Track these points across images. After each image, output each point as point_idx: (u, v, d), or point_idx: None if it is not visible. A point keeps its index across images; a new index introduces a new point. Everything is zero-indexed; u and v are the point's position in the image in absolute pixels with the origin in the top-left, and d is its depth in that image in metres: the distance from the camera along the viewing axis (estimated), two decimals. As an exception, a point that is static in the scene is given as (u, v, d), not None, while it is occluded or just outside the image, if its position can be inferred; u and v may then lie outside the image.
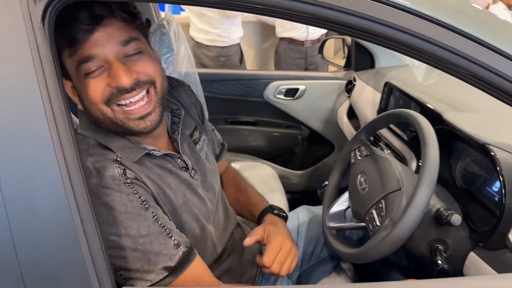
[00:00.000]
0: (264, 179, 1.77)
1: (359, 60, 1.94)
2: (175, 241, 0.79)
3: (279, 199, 1.63)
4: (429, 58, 0.65)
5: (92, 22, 0.72)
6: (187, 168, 0.91)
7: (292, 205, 1.73)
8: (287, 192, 1.84)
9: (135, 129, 0.79)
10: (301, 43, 3.30)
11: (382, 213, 0.91)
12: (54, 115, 0.50)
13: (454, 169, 1.08)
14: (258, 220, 1.06)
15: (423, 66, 1.30)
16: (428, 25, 0.61)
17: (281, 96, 2.03)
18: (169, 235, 0.79)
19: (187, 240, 0.83)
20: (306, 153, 2.22)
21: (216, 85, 2.02)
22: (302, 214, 1.28)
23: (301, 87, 2.01)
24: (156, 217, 0.78)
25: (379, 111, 1.48)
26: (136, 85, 0.76)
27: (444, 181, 1.06)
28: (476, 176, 1.01)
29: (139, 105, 0.77)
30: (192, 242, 0.86)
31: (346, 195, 1.10)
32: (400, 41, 0.62)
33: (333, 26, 0.64)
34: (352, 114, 1.90)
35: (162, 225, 0.78)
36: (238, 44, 3.14)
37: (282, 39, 3.37)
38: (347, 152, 1.16)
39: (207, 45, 3.02)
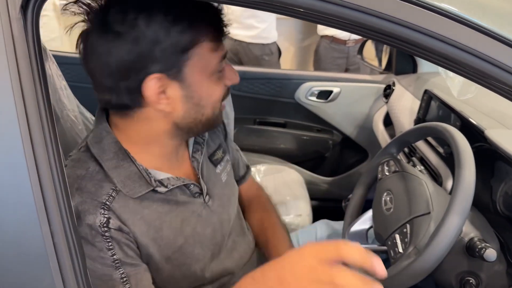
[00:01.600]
0: (289, 185, 1.69)
1: (401, 63, 1.82)
2: None
3: (302, 207, 1.55)
4: (467, 71, 0.56)
5: (225, 27, 0.73)
6: (201, 194, 0.82)
7: (317, 213, 1.65)
8: (313, 198, 1.76)
9: (219, 122, 0.79)
10: (343, 42, 3.19)
11: (406, 239, 0.81)
12: (28, 118, 0.45)
13: (496, 193, 0.96)
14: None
15: (459, 78, 1.17)
16: (468, 32, 0.51)
17: (313, 98, 1.93)
18: None
19: None
20: (337, 159, 2.12)
21: (246, 84, 1.95)
22: (320, 229, 1.20)
23: (335, 90, 1.91)
24: (125, 279, 0.70)
25: (416, 121, 1.37)
26: None
27: (482, 205, 0.95)
28: (520, 202, 0.90)
29: None
30: (191, 279, 0.80)
31: (370, 213, 1.01)
32: (432, 50, 0.53)
33: (363, 31, 0.56)
34: (389, 121, 1.78)
35: None
36: (275, 42, 3.06)
37: (323, 37, 3.27)
38: (375, 165, 1.06)
39: (248, 43, 2.89)
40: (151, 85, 0.66)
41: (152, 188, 0.73)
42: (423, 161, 1.24)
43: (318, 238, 1.17)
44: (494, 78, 0.53)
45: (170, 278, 0.79)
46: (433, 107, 1.29)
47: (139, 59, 0.64)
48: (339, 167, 2.12)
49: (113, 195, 0.70)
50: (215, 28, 0.70)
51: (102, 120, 0.74)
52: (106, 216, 0.68)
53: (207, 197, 0.83)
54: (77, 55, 0.70)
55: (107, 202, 0.69)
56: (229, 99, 1.63)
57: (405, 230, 0.83)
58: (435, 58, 0.56)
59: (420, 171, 1.09)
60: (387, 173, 0.99)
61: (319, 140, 2.08)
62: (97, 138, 0.73)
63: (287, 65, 3.72)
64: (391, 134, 1.72)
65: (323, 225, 1.22)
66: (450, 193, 1.05)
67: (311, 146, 2.09)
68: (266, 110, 2.05)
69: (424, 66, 1.75)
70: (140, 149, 0.74)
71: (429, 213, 0.83)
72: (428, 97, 1.32)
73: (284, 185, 1.69)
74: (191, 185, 0.79)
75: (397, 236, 0.84)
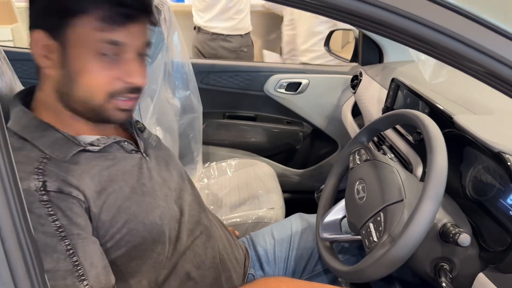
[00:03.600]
0: (261, 178, 1.67)
1: (367, 54, 1.82)
2: (86, 286, 0.66)
3: (275, 200, 1.53)
4: (436, 51, 0.54)
5: (137, 13, 0.72)
6: (137, 151, 0.84)
7: (291, 205, 1.64)
8: (286, 191, 1.75)
9: (110, 118, 0.76)
10: (309, 34, 3.19)
11: (380, 228, 0.80)
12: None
13: (465, 178, 0.97)
14: None
15: (431, 61, 1.18)
16: (436, 10, 0.50)
17: (282, 90, 1.92)
18: (82, 277, 0.65)
19: (109, 285, 0.70)
20: (308, 151, 2.12)
21: (214, 77, 1.91)
22: (296, 223, 1.18)
23: (304, 81, 1.90)
24: (71, 251, 0.65)
25: (384, 110, 1.37)
26: None
27: (453, 191, 0.96)
28: (489, 186, 0.91)
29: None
30: (155, 232, 0.78)
31: (342, 203, 0.99)
32: (401, 29, 0.51)
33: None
34: (357, 111, 1.79)
35: (76, 263, 0.65)
36: (249, 33, 3.02)
37: (289, 29, 3.25)
38: (346, 155, 1.05)
39: (227, 35, 2.83)
40: (36, 39, 0.70)
41: (82, 148, 0.73)
42: (393, 149, 1.25)
43: (293, 232, 1.15)
44: (467, 58, 0.52)
45: (131, 236, 0.75)
46: (400, 95, 1.30)
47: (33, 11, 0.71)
48: (310, 159, 2.12)
49: (44, 161, 0.69)
50: (110, 8, 0.69)
51: (16, 104, 0.76)
52: (41, 180, 0.65)
53: (144, 154, 0.85)
54: (29, 51, 0.70)
55: (40, 167, 0.67)
56: (196, 92, 1.60)
57: (378, 218, 0.82)
58: (407, 40, 0.55)
59: (390, 159, 1.09)
60: (358, 162, 0.98)
61: (289, 132, 2.07)
62: (16, 120, 0.74)
63: (255, 58, 3.70)
64: (360, 124, 1.72)
65: (298, 218, 1.20)
66: (421, 179, 1.06)
67: (281, 139, 2.08)
68: (235, 103, 2.02)
69: (390, 56, 1.76)
70: (64, 119, 0.75)
71: (401, 200, 0.82)
72: (395, 86, 1.32)
73: (256, 179, 1.67)
74: (123, 142, 0.81)
75: (371, 225, 0.83)
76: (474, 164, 0.95)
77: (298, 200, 2.02)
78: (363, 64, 1.83)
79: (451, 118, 0.96)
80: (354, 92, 1.75)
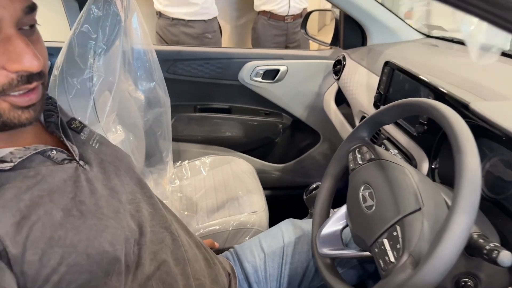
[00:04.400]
0: (240, 177, 1.51)
1: (349, 36, 1.67)
2: None
3: (256, 202, 1.38)
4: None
5: None
6: (71, 160, 0.67)
7: (273, 205, 1.50)
8: (266, 188, 1.60)
9: (14, 121, 0.56)
10: (282, 18, 3.05)
11: (398, 245, 0.66)
12: None
13: (477, 173, 0.84)
14: None
15: (480, 39, 1.00)
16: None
17: (259, 79, 1.75)
18: None
19: None
20: (288, 144, 1.97)
21: (181, 65, 1.72)
22: (287, 232, 1.02)
23: (282, 68, 1.74)
24: None
25: (377, 97, 1.23)
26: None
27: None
28: (508, 183, 0.78)
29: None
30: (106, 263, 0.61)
31: (343, 210, 0.84)
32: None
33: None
34: (340, 99, 1.65)
35: None
36: (216, 17, 2.83)
37: (260, 13, 3.11)
38: (343, 152, 0.90)
39: (188, 20, 2.65)
40: None
41: None
42: (392, 143, 1.11)
43: (286, 243, 0.99)
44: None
45: (73, 274, 0.57)
46: (396, 80, 1.15)
47: None
48: (291, 152, 1.98)
49: None
50: None
51: None
52: None
53: (82, 161, 0.69)
54: None
55: None
56: (162, 84, 1.41)
57: (394, 233, 0.67)
58: None
59: (394, 155, 0.95)
60: (360, 162, 0.83)
61: (268, 124, 1.91)
62: None
63: (224, 45, 3.52)
64: (345, 114, 1.59)
65: (289, 225, 1.05)
66: (427, 175, 0.93)
67: (259, 132, 1.92)
68: (207, 94, 1.84)
69: (375, 37, 1.62)
70: None
71: (419, 209, 0.68)
72: (389, 70, 1.18)
73: (235, 178, 1.50)
74: (50, 151, 0.64)
75: (386, 242, 0.68)
76: (489, 157, 0.83)
77: (280, 197, 1.88)
78: (345, 47, 1.68)
79: (466, 106, 0.83)
80: (338, 79, 1.60)
